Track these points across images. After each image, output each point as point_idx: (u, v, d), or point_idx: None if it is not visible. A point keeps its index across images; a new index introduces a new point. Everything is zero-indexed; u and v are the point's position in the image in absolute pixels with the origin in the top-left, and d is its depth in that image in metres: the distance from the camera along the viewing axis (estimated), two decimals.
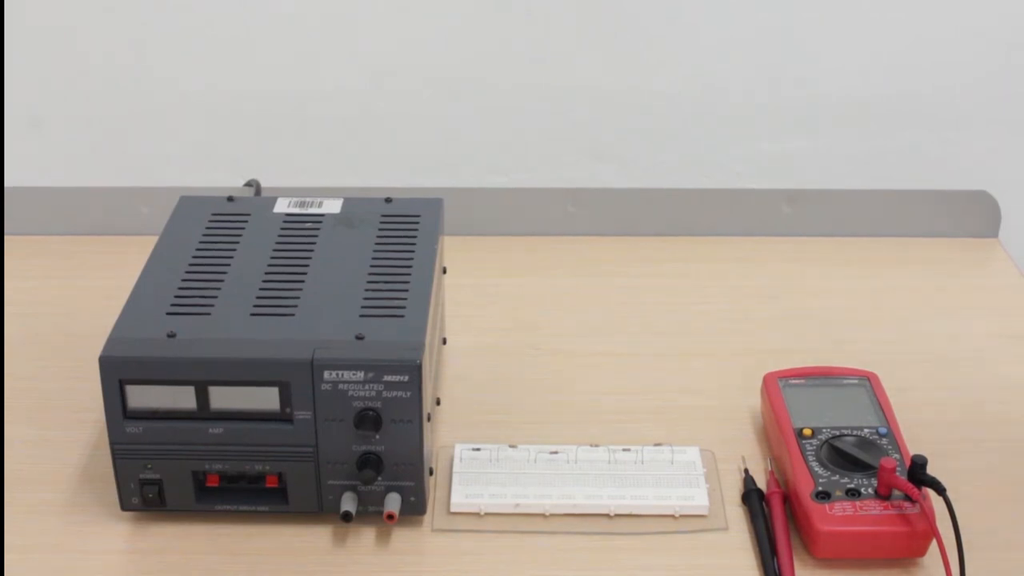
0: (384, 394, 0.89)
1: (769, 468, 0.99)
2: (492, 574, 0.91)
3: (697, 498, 0.95)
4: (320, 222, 1.05)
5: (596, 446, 1.00)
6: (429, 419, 0.94)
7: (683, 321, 1.19)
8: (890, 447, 0.95)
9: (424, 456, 0.92)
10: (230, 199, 1.08)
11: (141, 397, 0.89)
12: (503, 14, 1.32)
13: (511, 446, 1.00)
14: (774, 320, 1.20)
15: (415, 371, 0.88)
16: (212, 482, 0.92)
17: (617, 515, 0.95)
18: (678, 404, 1.08)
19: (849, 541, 0.90)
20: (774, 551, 0.91)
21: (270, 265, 0.99)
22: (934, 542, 0.88)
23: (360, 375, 0.88)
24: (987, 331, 1.18)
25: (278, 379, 0.88)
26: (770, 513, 0.94)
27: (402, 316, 0.92)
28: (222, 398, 0.89)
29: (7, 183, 1.31)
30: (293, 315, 0.93)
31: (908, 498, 0.90)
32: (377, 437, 0.90)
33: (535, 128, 1.37)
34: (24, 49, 1.32)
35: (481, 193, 1.34)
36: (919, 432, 0.99)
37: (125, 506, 0.93)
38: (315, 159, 1.38)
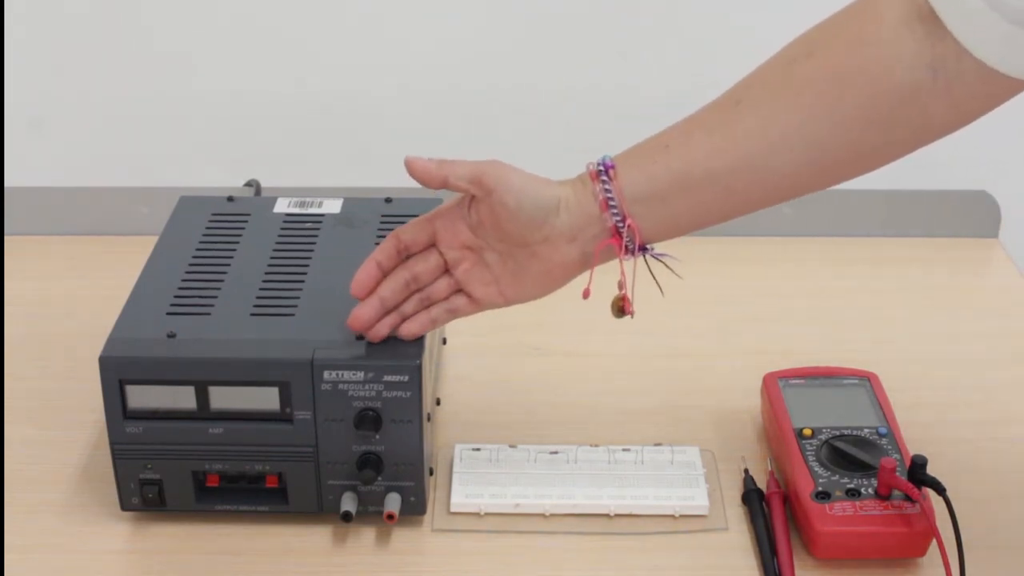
0: (384, 394, 0.89)
1: (769, 468, 0.99)
2: (492, 574, 0.91)
3: (697, 498, 0.95)
4: (320, 222, 1.05)
5: (596, 446, 1.00)
6: (429, 419, 0.94)
7: (683, 321, 1.19)
8: (890, 447, 0.95)
9: (424, 456, 0.92)
10: (230, 199, 1.08)
11: (141, 397, 0.89)
12: (503, 15, 1.32)
13: (511, 446, 1.00)
14: (774, 320, 1.20)
15: (415, 371, 0.88)
16: (212, 482, 0.92)
17: (617, 515, 0.95)
18: (678, 404, 1.07)
19: (849, 541, 0.89)
20: (774, 551, 0.91)
21: (270, 265, 0.99)
22: (934, 542, 0.88)
23: (360, 375, 0.88)
24: (987, 331, 1.18)
25: (278, 379, 0.88)
26: (770, 513, 0.94)
27: None
28: (222, 398, 0.89)
29: (7, 183, 1.31)
30: (293, 315, 0.93)
31: (908, 498, 0.90)
32: (377, 437, 0.90)
33: (535, 128, 1.37)
34: (24, 49, 1.32)
35: None
36: (919, 432, 0.99)
37: (125, 506, 0.93)
38: (315, 159, 1.38)
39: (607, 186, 0.85)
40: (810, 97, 0.83)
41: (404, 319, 0.90)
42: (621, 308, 0.91)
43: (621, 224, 0.86)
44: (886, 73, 0.80)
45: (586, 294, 0.89)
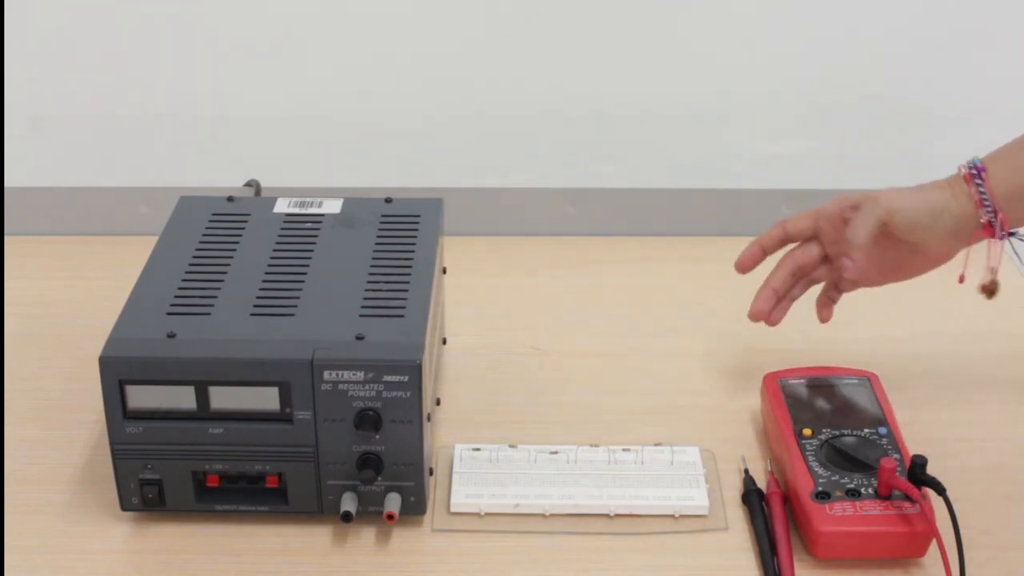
0: (384, 394, 0.89)
1: (769, 468, 0.99)
2: (492, 574, 0.91)
3: (697, 498, 0.95)
4: (320, 222, 1.05)
5: (596, 446, 1.00)
6: (429, 419, 0.94)
7: (683, 321, 1.19)
8: (890, 447, 0.95)
9: (424, 456, 0.92)
10: (230, 199, 1.08)
11: (141, 397, 0.89)
12: (502, 15, 1.32)
13: (511, 446, 1.00)
14: None
15: (415, 371, 0.88)
16: (212, 482, 0.92)
17: (617, 515, 0.95)
18: (678, 404, 1.08)
19: (849, 541, 0.89)
20: (774, 551, 0.91)
21: (270, 265, 0.99)
22: (934, 542, 0.88)
23: (360, 375, 0.88)
24: (987, 331, 1.18)
25: (278, 379, 0.88)
26: (770, 513, 0.94)
27: (402, 316, 0.92)
28: (222, 398, 0.89)
29: (7, 183, 1.31)
30: (293, 315, 0.93)
31: (908, 498, 0.90)
32: (377, 437, 0.90)
33: (535, 128, 1.37)
34: (24, 49, 1.32)
35: (481, 193, 1.34)
36: (919, 432, 0.99)
37: (125, 506, 0.93)
38: (315, 159, 1.38)
39: (981, 188, 0.97)
40: None
41: (793, 300, 1.04)
42: (993, 290, 1.03)
43: (993, 219, 0.97)
44: None
45: (962, 279, 1.02)
